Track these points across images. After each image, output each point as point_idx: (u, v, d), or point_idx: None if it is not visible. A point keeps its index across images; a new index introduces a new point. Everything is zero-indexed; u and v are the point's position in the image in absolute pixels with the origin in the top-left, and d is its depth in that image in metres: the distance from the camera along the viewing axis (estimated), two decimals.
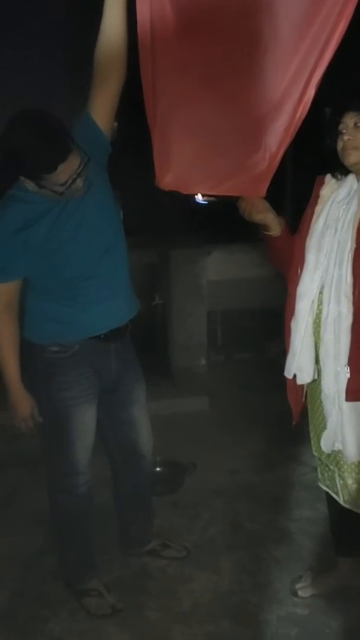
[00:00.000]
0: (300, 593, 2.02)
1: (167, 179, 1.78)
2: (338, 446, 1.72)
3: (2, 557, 2.25)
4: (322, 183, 1.74)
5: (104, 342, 1.85)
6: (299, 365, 1.74)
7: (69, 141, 1.61)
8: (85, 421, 1.88)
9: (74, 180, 1.63)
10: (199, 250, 3.78)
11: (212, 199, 1.80)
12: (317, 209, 1.72)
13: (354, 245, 1.59)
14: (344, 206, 1.64)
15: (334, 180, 1.71)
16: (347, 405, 1.64)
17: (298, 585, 2.04)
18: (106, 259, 1.78)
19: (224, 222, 3.09)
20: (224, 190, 1.77)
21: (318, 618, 1.95)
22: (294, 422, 1.85)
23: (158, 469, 2.66)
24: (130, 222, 1.87)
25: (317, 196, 1.73)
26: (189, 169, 1.77)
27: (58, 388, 1.83)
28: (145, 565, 2.20)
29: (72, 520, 1.98)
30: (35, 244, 1.70)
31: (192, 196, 1.77)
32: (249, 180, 1.73)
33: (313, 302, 1.69)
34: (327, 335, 1.65)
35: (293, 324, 1.73)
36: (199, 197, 1.75)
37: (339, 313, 1.61)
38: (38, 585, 2.13)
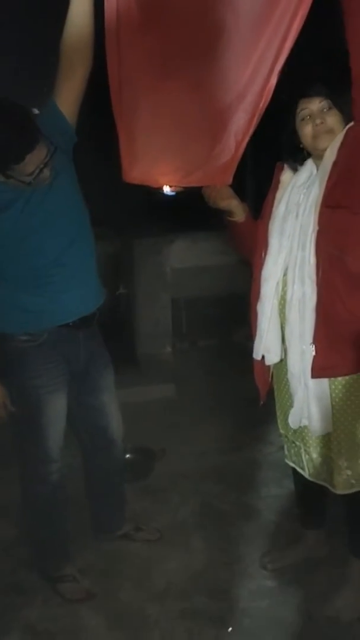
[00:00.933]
0: (269, 566, 2.10)
1: (134, 173, 1.79)
2: (304, 422, 1.79)
3: None
4: (281, 169, 1.80)
5: (72, 330, 1.87)
6: (266, 347, 1.80)
7: (36, 130, 1.62)
8: (56, 409, 1.89)
9: (41, 170, 1.63)
10: (162, 239, 3.81)
11: (179, 189, 1.81)
12: (278, 194, 1.77)
13: (317, 228, 1.64)
14: (304, 190, 1.70)
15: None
16: (312, 382, 1.70)
17: (266, 559, 2.12)
18: (74, 247, 1.79)
19: (186, 210, 3.12)
20: (193, 181, 1.79)
21: (287, 589, 2.03)
22: (261, 402, 1.91)
23: (128, 455, 2.69)
24: (92, 212, 1.88)
25: (278, 182, 1.78)
26: (156, 162, 1.79)
27: (29, 376, 1.84)
28: (118, 549, 2.24)
29: (45, 508, 2.00)
30: (2, 233, 1.70)
31: (159, 188, 1.79)
32: (216, 170, 1.76)
33: (277, 284, 1.74)
34: (292, 315, 1.71)
35: (259, 307, 1.78)
36: (166, 189, 1.77)
37: (304, 294, 1.67)
38: (11, 575, 2.14)
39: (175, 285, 3.84)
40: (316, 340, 1.66)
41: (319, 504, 2.04)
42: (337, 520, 1.98)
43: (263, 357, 1.83)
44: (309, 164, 1.72)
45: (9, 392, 1.85)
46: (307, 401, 1.73)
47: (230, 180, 1.78)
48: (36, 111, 1.89)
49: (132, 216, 4.02)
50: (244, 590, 2.03)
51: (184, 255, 3.92)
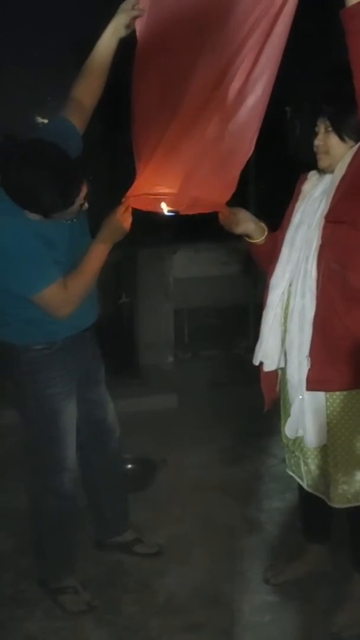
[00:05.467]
0: (272, 581, 2.08)
1: (138, 199, 1.79)
2: (301, 432, 1.79)
3: None
4: (304, 179, 1.80)
5: (81, 333, 1.92)
6: (265, 353, 1.81)
7: (79, 171, 1.65)
8: (71, 415, 1.92)
9: (82, 205, 1.69)
10: (165, 249, 3.81)
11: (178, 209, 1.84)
12: (297, 204, 1.78)
13: (320, 242, 1.65)
14: (318, 203, 1.71)
15: (315, 177, 1.77)
16: (308, 394, 1.71)
17: (269, 574, 2.10)
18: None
19: (189, 220, 3.13)
20: (195, 209, 1.81)
21: (290, 604, 2.01)
22: (265, 409, 1.91)
23: (129, 466, 2.68)
24: (95, 221, 1.90)
25: (299, 192, 1.79)
26: (157, 187, 1.79)
27: (45, 385, 1.85)
28: (119, 561, 2.23)
29: (57, 519, 1.99)
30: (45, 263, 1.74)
31: (159, 211, 1.81)
32: (217, 196, 1.79)
33: (283, 293, 1.75)
34: (292, 326, 1.72)
35: (263, 314, 1.80)
36: (165, 209, 1.78)
37: (303, 306, 1.68)
38: (11, 586, 2.12)
39: (177, 295, 3.84)
40: (312, 354, 1.67)
41: (321, 516, 2.02)
42: (342, 535, 1.97)
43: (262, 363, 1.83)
44: (327, 177, 1.73)
45: (25, 404, 1.86)
46: (303, 412, 1.74)
47: (227, 198, 1.80)
48: (44, 120, 1.92)
49: (135, 226, 4.02)
50: (247, 605, 2.01)
51: (187, 266, 3.93)
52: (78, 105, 1.83)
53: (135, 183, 1.77)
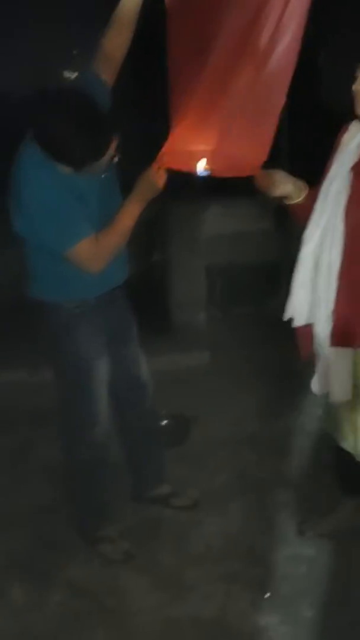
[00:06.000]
0: (306, 534, 2.11)
1: (172, 157, 1.75)
2: (327, 388, 1.79)
3: (17, 508, 2.32)
4: (345, 130, 1.73)
5: (113, 292, 1.93)
6: (294, 308, 1.79)
7: (110, 122, 1.62)
8: (103, 371, 1.94)
9: (112, 157, 1.66)
10: (197, 205, 3.74)
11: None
12: (335, 156, 1.72)
13: (349, 194, 1.60)
14: (353, 155, 1.64)
15: (356, 127, 1.70)
16: (334, 350, 1.70)
17: (304, 527, 2.13)
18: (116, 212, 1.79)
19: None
20: (230, 172, 1.77)
21: (324, 558, 2.03)
22: (302, 358, 1.89)
23: (163, 422, 2.71)
24: (126, 179, 1.87)
25: (339, 143, 1.73)
26: (194, 145, 1.75)
27: (78, 342, 1.87)
28: (156, 513, 2.27)
29: (90, 471, 2.04)
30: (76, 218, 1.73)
31: (193, 171, 1.76)
32: (253, 156, 1.75)
33: (316, 248, 1.71)
34: (321, 280, 1.69)
35: (296, 268, 1.77)
36: (200, 169, 1.73)
37: (331, 261, 1.65)
38: (53, 534, 2.20)
39: (210, 252, 3.79)
40: (337, 309, 1.65)
41: (355, 470, 2.02)
42: None
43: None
44: None
45: (58, 361, 1.89)
46: (329, 368, 1.74)
47: (265, 157, 1.75)
48: (73, 74, 1.90)
49: (167, 182, 3.95)
50: (282, 557, 2.05)
51: (220, 222, 3.85)
52: (107, 57, 1.79)
53: (169, 139, 1.73)
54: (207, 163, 1.73)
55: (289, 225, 3.61)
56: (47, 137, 1.61)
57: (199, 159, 1.72)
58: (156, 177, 1.71)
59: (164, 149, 1.72)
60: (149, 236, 3.82)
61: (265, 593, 1.91)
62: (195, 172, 1.73)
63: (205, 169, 1.73)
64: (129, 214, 1.77)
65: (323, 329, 1.72)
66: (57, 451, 2.12)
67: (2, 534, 2.20)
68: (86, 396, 1.93)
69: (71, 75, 4.08)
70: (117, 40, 1.79)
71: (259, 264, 3.88)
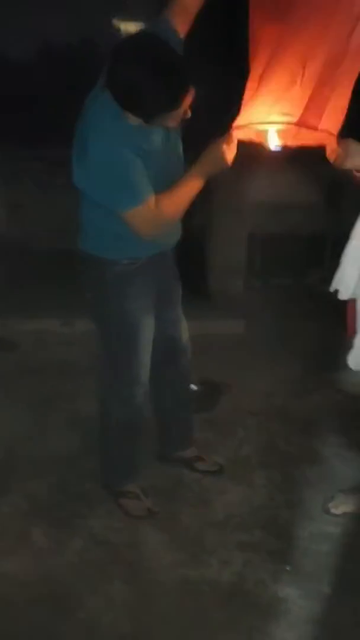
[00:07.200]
0: (332, 511, 2.08)
1: (245, 130, 1.66)
2: None
3: (43, 456, 2.34)
4: None
5: (164, 253, 1.91)
6: (341, 280, 1.77)
7: (189, 72, 1.53)
8: (149, 330, 1.92)
9: (185, 112, 1.59)
10: (243, 171, 3.63)
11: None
12: None
13: None
14: None
15: None
16: None
17: (330, 504, 2.10)
18: (177, 178, 1.74)
19: None
20: (303, 141, 1.67)
21: (348, 536, 2.00)
22: (348, 335, 1.86)
23: (194, 387, 2.68)
24: (194, 149, 1.81)
25: None
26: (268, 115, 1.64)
27: (127, 299, 1.85)
28: (181, 475, 2.27)
29: (124, 427, 2.04)
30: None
31: (264, 145, 1.67)
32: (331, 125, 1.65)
33: None
34: None
35: (348, 242, 1.74)
36: (273, 142, 1.64)
37: None
38: (77, 484, 2.21)
39: (253, 220, 3.70)
40: None
41: None
42: None
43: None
44: None
45: (107, 316, 1.88)
46: None
47: (337, 129, 1.65)
48: (143, 25, 1.82)
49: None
50: (305, 532, 2.02)
51: (265, 190, 3.74)
52: (182, 7, 1.68)
53: (244, 111, 1.63)
54: (283, 135, 1.64)
55: (340, 199, 3.51)
56: (121, 82, 1.53)
57: (274, 132, 1.63)
58: (226, 152, 1.63)
59: (236, 122, 1.63)
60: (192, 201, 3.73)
61: (286, 566, 1.90)
62: (269, 146, 1.64)
63: (279, 143, 1.64)
64: (191, 187, 1.70)
65: None
66: (84, 404, 2.12)
67: (27, 480, 2.22)
68: (132, 354, 1.91)
69: (120, 24, 3.95)
70: None
71: (303, 236, 3.78)
